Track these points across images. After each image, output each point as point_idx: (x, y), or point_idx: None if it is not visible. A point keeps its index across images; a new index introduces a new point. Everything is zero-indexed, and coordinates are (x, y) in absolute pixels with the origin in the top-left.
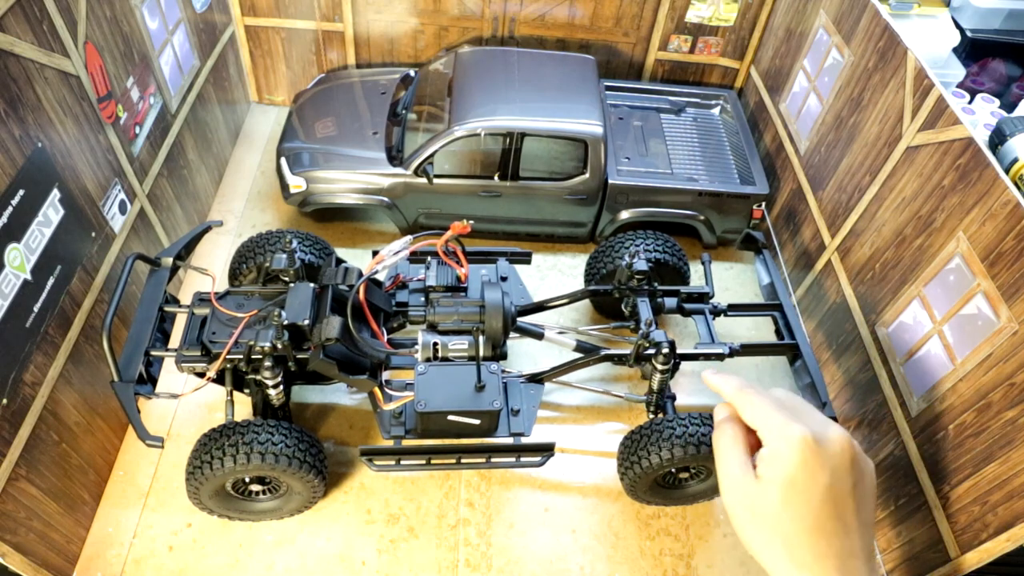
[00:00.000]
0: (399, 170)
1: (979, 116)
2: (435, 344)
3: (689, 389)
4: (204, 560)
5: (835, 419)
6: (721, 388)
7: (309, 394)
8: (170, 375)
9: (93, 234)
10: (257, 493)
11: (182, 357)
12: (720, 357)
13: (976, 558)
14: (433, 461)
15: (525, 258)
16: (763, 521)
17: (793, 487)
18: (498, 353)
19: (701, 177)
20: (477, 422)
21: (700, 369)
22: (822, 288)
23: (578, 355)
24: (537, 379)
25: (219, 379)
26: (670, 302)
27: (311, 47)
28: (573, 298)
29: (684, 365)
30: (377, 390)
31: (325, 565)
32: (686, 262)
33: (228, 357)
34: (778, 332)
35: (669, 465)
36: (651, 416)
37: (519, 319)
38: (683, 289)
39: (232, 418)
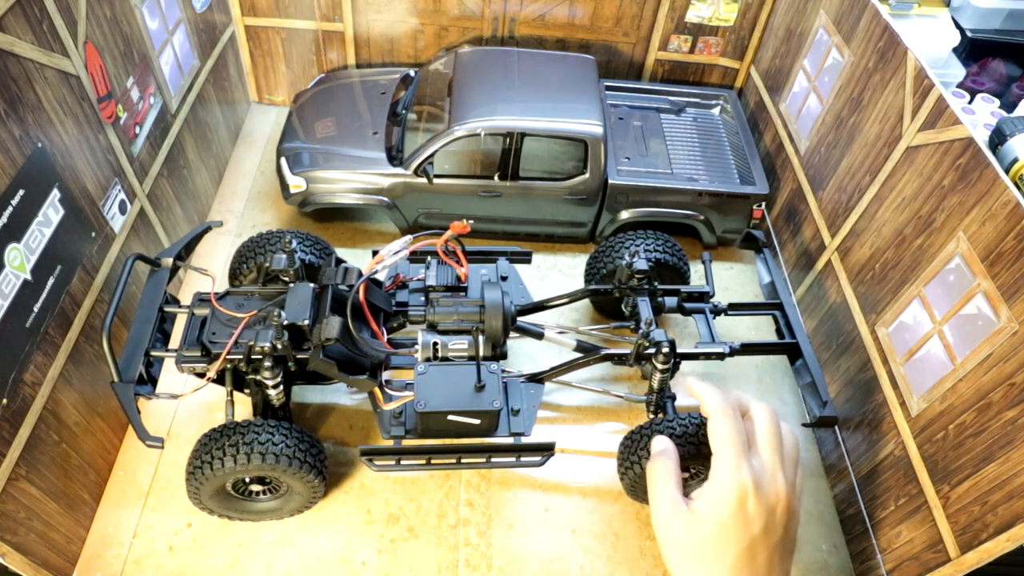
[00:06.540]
0: (399, 170)
1: (979, 116)
2: (435, 344)
3: None
4: (204, 560)
5: (835, 419)
6: (702, 399)
7: (309, 394)
8: (170, 375)
9: (93, 234)
10: (257, 493)
11: (182, 357)
12: (720, 356)
13: (976, 558)
14: (433, 461)
15: (525, 258)
16: (688, 551)
17: (723, 528)
18: (498, 353)
19: (701, 177)
20: (477, 422)
21: (700, 369)
22: (822, 288)
23: (578, 355)
24: (537, 379)
25: (219, 379)
26: (670, 301)
27: (311, 47)
28: (573, 298)
29: (684, 365)
30: (377, 390)
31: (325, 565)
32: (686, 262)
33: (228, 357)
34: (778, 331)
35: None
36: (651, 416)
37: (519, 319)
38: (683, 288)
39: (232, 418)
